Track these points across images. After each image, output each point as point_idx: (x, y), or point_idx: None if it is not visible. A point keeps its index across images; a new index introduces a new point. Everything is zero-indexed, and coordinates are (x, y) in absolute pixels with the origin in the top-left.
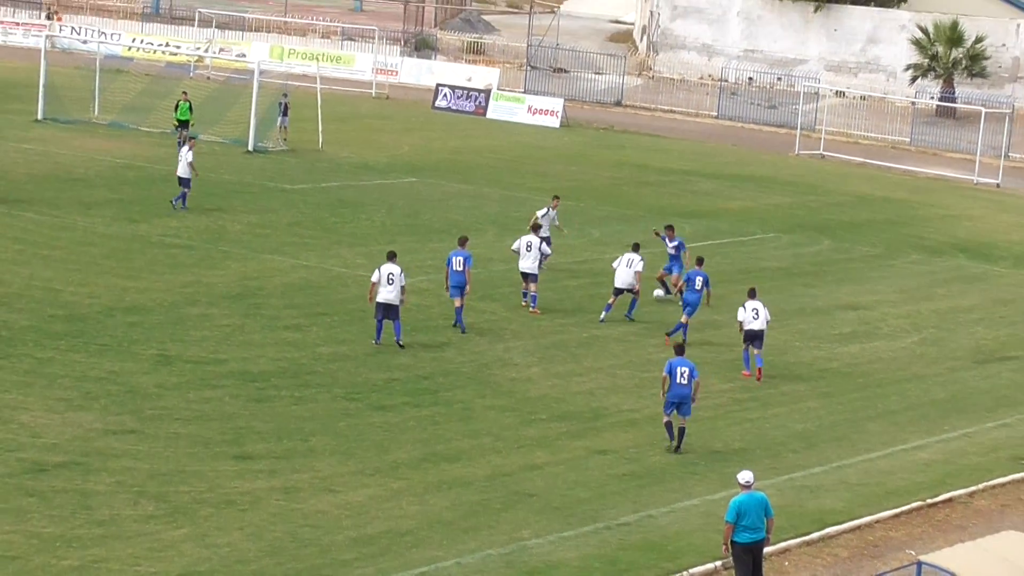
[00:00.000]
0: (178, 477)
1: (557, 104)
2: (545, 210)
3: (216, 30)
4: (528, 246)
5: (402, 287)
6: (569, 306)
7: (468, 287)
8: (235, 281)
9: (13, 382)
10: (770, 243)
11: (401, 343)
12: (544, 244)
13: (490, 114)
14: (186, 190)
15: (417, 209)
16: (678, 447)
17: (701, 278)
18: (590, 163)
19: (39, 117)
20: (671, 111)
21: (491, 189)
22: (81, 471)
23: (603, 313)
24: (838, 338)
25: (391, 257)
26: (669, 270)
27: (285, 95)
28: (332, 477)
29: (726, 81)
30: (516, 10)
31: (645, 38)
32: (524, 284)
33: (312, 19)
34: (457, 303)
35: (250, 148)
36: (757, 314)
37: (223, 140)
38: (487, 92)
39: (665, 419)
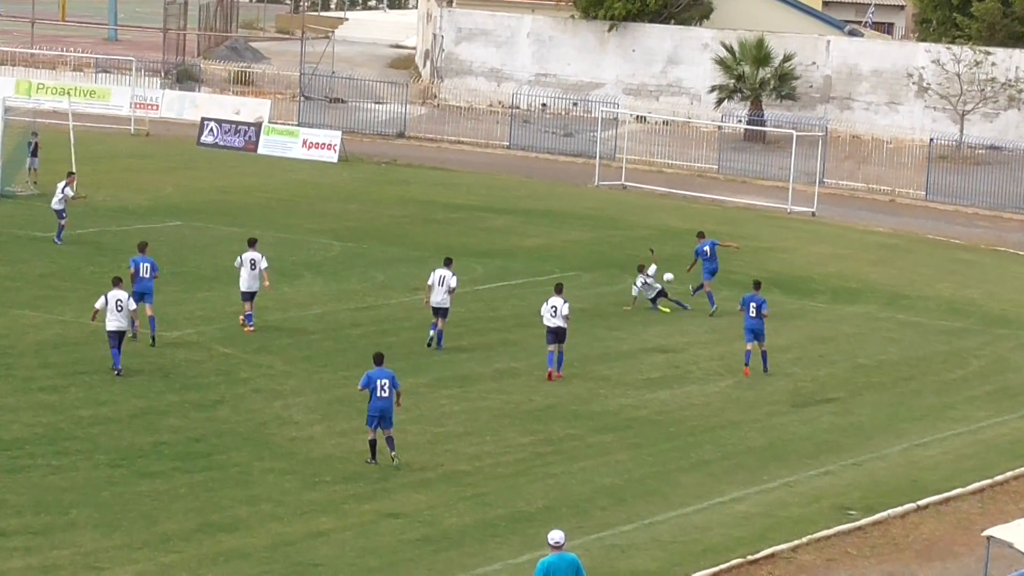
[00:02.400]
0: None
1: (334, 137)
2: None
3: None
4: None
5: (132, 311)
6: (352, 357)
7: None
8: None
9: None
10: (569, 282)
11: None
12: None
13: (261, 149)
14: None
15: (183, 255)
16: (393, 458)
17: (755, 303)
18: (372, 200)
19: None
20: (459, 142)
21: (264, 231)
22: None
23: (431, 333)
24: (646, 384)
25: (117, 283)
26: (712, 273)
27: (34, 134)
28: (96, 552)
29: (517, 108)
30: (286, 36)
31: (428, 63)
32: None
33: (62, 50)
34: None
35: None
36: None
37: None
38: (257, 126)
39: (370, 436)
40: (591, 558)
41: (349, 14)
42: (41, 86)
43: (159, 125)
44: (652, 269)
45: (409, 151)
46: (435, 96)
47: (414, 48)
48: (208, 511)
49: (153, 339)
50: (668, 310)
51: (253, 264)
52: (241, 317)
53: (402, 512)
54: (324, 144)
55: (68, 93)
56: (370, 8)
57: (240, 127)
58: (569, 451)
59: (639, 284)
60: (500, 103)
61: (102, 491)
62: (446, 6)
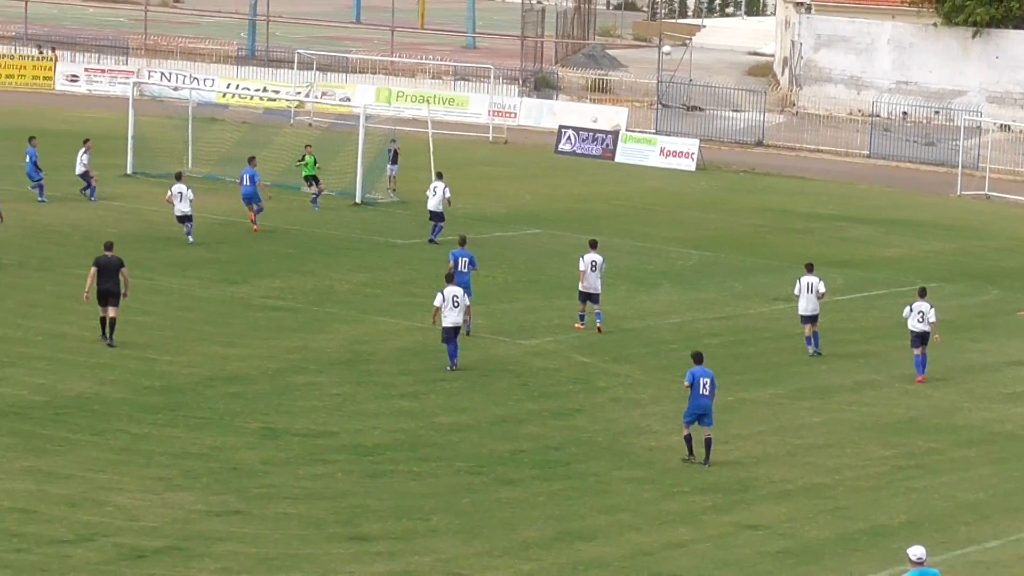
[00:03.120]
0: (288, 562)
1: (692, 145)
2: None
3: (317, 72)
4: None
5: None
6: (710, 367)
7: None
8: (344, 346)
9: (107, 460)
10: (932, 294)
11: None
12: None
13: (618, 157)
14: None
15: (541, 263)
16: (707, 459)
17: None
18: (729, 209)
19: (128, 171)
20: (817, 150)
21: (621, 240)
22: (182, 557)
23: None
24: (1010, 397)
25: (450, 280)
26: None
27: (393, 141)
28: (456, 559)
29: (877, 116)
30: (644, 43)
31: (787, 71)
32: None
33: (421, 58)
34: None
35: (357, 200)
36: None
37: (328, 192)
38: (615, 134)
39: (685, 432)
40: (954, 575)
41: (706, 21)
42: (401, 94)
43: (517, 133)
44: None
45: (767, 159)
46: (794, 104)
47: (772, 55)
48: (567, 520)
49: (467, 331)
50: None
51: (594, 265)
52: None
53: (761, 524)
54: (682, 152)
55: (427, 101)
56: (727, 15)
57: (597, 135)
58: (931, 465)
59: None
60: (860, 111)
61: (462, 498)
62: (804, 13)
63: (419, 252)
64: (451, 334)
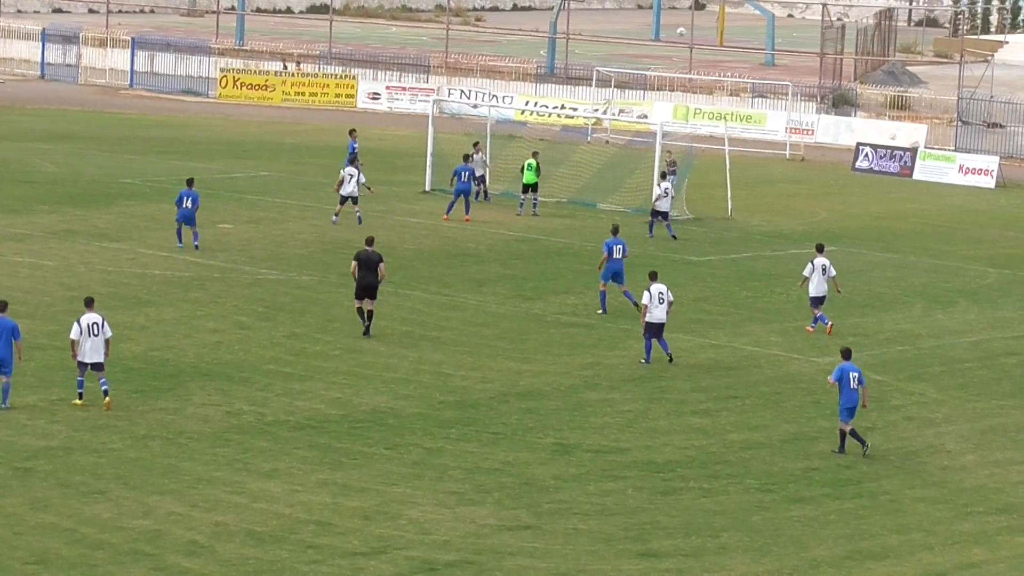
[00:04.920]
0: None
1: (992, 162)
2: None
3: (615, 90)
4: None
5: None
6: (1007, 387)
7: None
8: (637, 363)
9: (401, 474)
10: None
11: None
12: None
13: (916, 175)
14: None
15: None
16: (864, 446)
17: None
18: None
19: (427, 188)
20: None
21: (918, 258)
22: (474, 571)
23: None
24: None
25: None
26: None
27: (672, 163)
28: None
29: None
30: (944, 60)
31: None
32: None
33: (719, 75)
34: (602, 287)
35: None
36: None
37: (624, 209)
38: (913, 151)
39: (845, 426)
40: None
41: (1009, 37)
42: (698, 111)
43: (814, 150)
44: None
45: None
46: None
47: None
48: (858, 538)
49: (636, 305)
50: None
51: (824, 270)
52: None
53: None
54: (981, 170)
55: (724, 118)
56: None
57: (896, 152)
58: None
59: None
60: None
61: (752, 515)
62: None
63: (714, 269)
64: (655, 330)
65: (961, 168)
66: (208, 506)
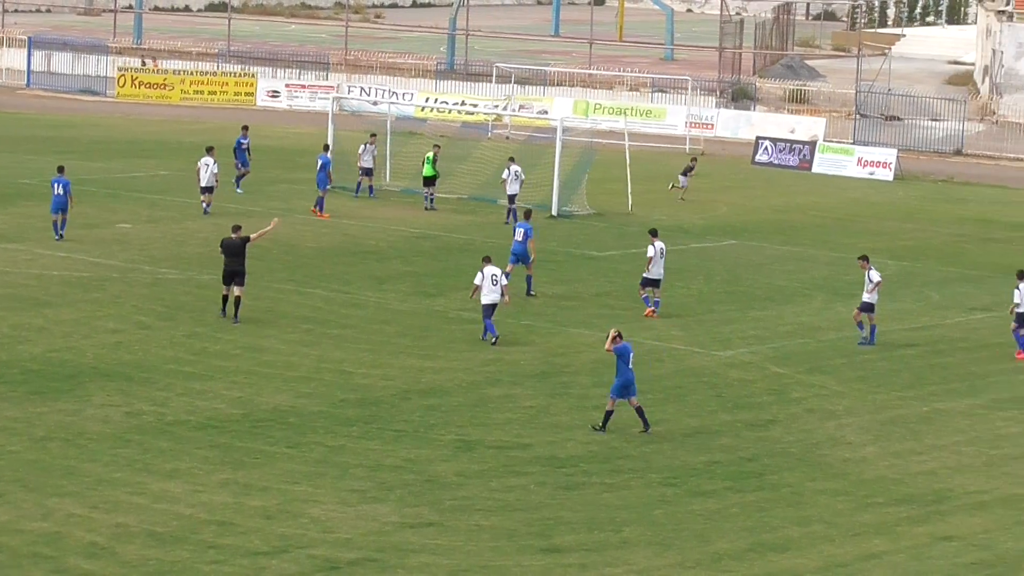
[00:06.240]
0: (482, 573)
1: (890, 155)
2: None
3: (515, 86)
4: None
5: (504, 286)
6: (907, 378)
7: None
8: (540, 358)
9: (303, 472)
10: None
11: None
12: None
13: (816, 168)
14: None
15: (737, 274)
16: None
17: None
18: (928, 219)
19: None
20: (1018, 159)
21: (818, 251)
22: (377, 569)
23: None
24: None
25: (488, 260)
26: None
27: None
28: (648, 571)
29: None
30: (843, 53)
31: (987, 79)
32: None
33: (619, 71)
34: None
35: (554, 213)
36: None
37: (525, 205)
38: (812, 144)
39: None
40: None
41: (907, 30)
42: (598, 106)
43: (714, 144)
44: None
45: (966, 169)
46: (994, 112)
47: (972, 64)
48: (760, 531)
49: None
50: None
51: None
52: None
53: (956, 535)
54: (879, 162)
55: (624, 113)
56: (928, 24)
57: (795, 145)
58: None
59: None
60: None
61: (655, 509)
62: (1007, 21)
63: (615, 264)
64: (489, 311)
65: (860, 161)
66: (109, 507)
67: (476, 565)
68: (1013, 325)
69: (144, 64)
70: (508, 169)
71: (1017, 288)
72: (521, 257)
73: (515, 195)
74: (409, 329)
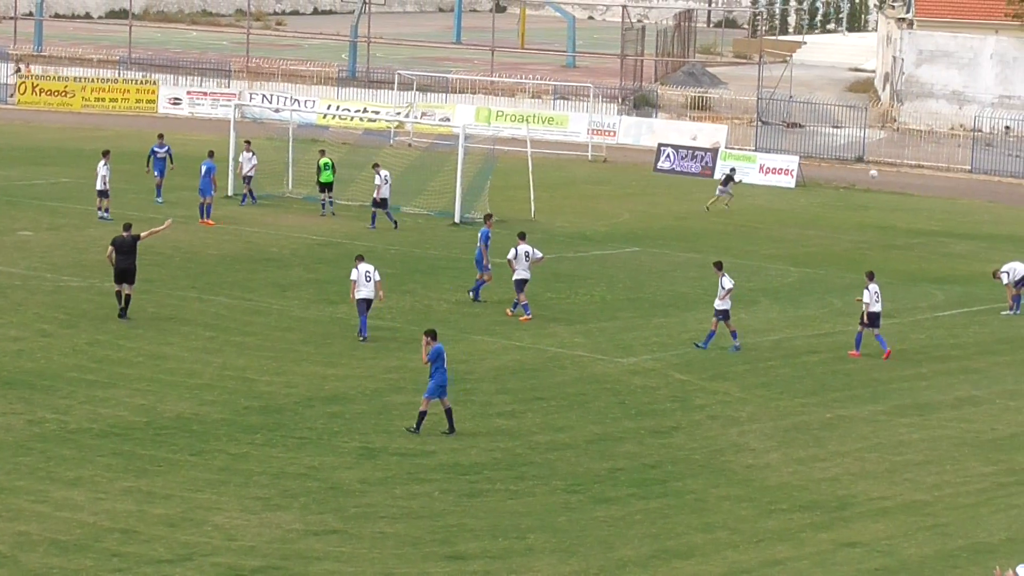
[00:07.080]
0: None
1: (792, 162)
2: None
3: (417, 93)
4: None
5: (377, 282)
6: (809, 384)
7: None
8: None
9: (206, 480)
10: None
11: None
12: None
13: (717, 175)
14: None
15: (640, 281)
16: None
17: None
18: (830, 226)
19: (229, 193)
20: (919, 166)
21: (722, 257)
22: None
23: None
24: None
25: (361, 259)
26: None
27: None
28: None
29: (979, 131)
30: (744, 60)
31: (888, 87)
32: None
33: (521, 78)
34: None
35: (456, 220)
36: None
37: (427, 212)
38: (714, 151)
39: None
40: None
41: (807, 38)
42: (500, 113)
43: (616, 151)
44: None
45: (867, 176)
46: (894, 120)
47: (873, 71)
48: (664, 538)
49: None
50: None
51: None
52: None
53: (859, 541)
54: (781, 169)
55: (526, 120)
56: (829, 31)
57: (697, 152)
58: None
59: None
60: (961, 126)
61: (559, 516)
62: (907, 28)
63: None
64: (363, 306)
65: (761, 168)
66: (10, 516)
67: (380, 572)
68: (860, 326)
69: (19, 71)
70: (378, 174)
71: (867, 288)
72: (479, 262)
73: (387, 199)
74: (312, 336)
